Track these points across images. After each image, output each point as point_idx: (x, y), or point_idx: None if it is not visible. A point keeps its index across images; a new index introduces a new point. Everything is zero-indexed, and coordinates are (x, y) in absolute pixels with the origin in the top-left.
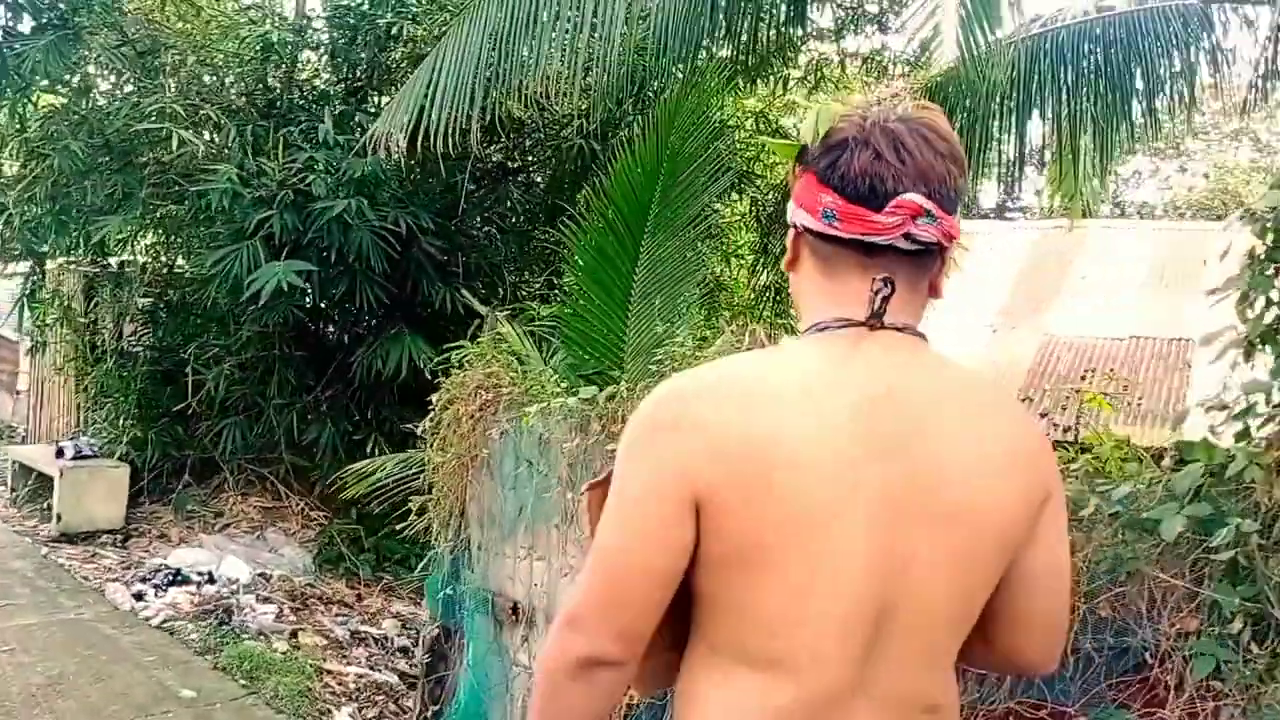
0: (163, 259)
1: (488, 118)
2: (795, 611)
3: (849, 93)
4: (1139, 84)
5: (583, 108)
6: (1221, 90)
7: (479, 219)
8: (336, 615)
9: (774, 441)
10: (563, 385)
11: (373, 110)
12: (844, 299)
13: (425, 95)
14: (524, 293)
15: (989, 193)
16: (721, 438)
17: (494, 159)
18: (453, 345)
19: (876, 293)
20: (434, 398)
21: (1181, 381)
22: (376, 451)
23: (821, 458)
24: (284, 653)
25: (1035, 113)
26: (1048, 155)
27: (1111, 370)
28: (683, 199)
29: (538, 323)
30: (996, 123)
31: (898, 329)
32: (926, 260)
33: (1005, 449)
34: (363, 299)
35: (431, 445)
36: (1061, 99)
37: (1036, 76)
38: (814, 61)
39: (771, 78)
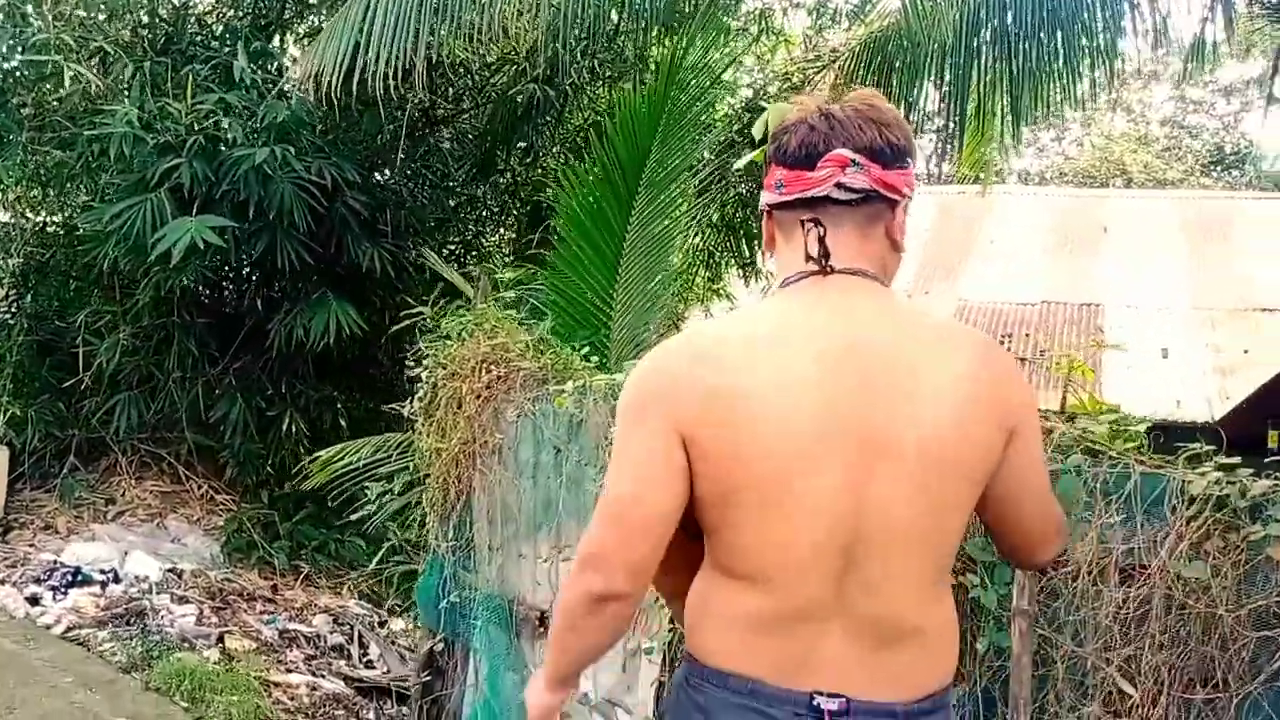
0: (36, 214)
1: (434, 58)
2: (771, 539)
3: (791, 45)
4: (1073, 39)
5: (522, 52)
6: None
7: (408, 172)
8: (261, 613)
9: (741, 389)
10: (593, 360)
11: (288, 47)
12: (797, 255)
13: (360, 30)
14: (456, 251)
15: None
16: (702, 395)
17: (421, 105)
18: (414, 311)
19: (807, 233)
20: (423, 374)
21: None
22: (293, 429)
23: (789, 402)
24: (217, 663)
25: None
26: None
27: (1027, 334)
28: (680, 149)
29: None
30: (938, 78)
31: (851, 272)
32: (872, 209)
33: (966, 382)
34: (284, 259)
35: (425, 429)
36: (1002, 55)
37: (980, 31)
38: (755, 13)
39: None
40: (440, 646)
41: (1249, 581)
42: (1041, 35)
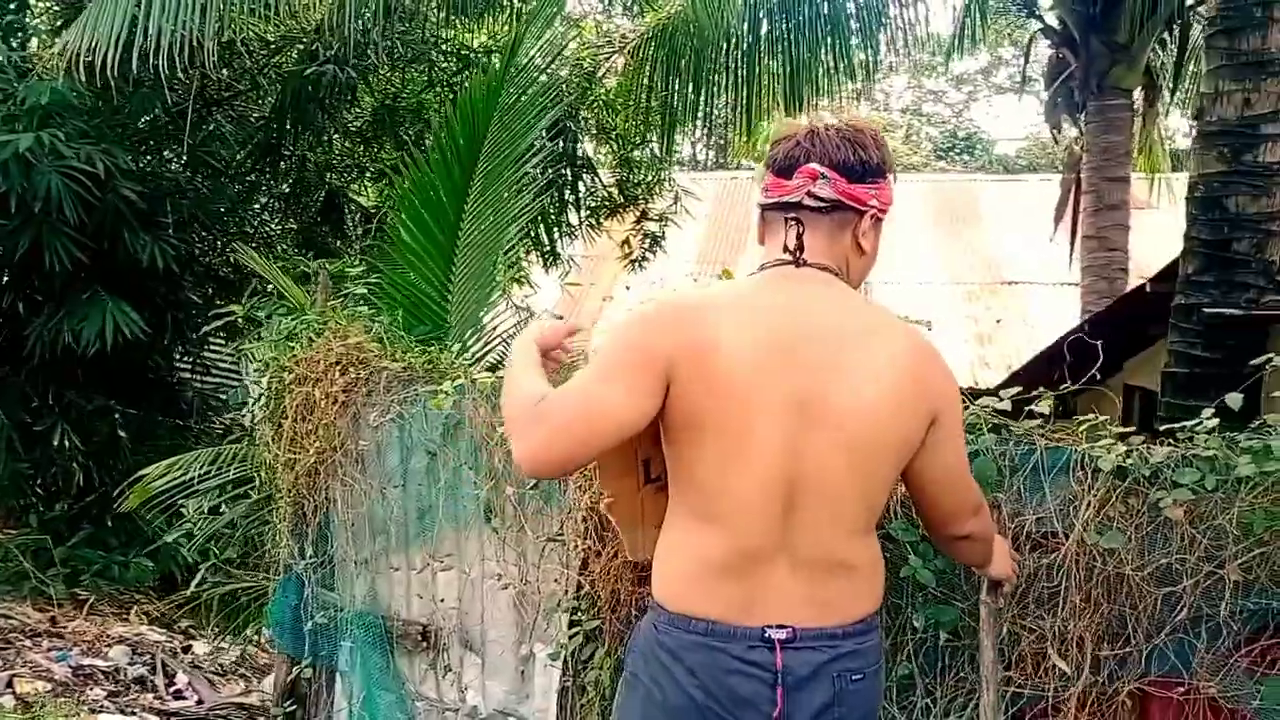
0: None
1: (224, 34)
2: (723, 481)
3: (582, 31)
4: (854, 29)
5: (309, 30)
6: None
7: (187, 158)
8: (49, 649)
9: (714, 341)
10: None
11: (40, 14)
12: (776, 248)
13: (137, 3)
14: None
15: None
16: (689, 336)
17: (193, 86)
18: (222, 310)
19: (789, 229)
20: (263, 381)
21: None
22: (64, 444)
23: (745, 357)
24: (13, 711)
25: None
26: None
27: None
28: (513, 137)
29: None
30: (726, 67)
31: (817, 267)
32: (840, 217)
33: (897, 366)
34: (52, 257)
35: (270, 439)
36: (789, 45)
37: (767, 21)
38: None
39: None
40: (291, 673)
41: (1149, 543)
42: (814, 32)
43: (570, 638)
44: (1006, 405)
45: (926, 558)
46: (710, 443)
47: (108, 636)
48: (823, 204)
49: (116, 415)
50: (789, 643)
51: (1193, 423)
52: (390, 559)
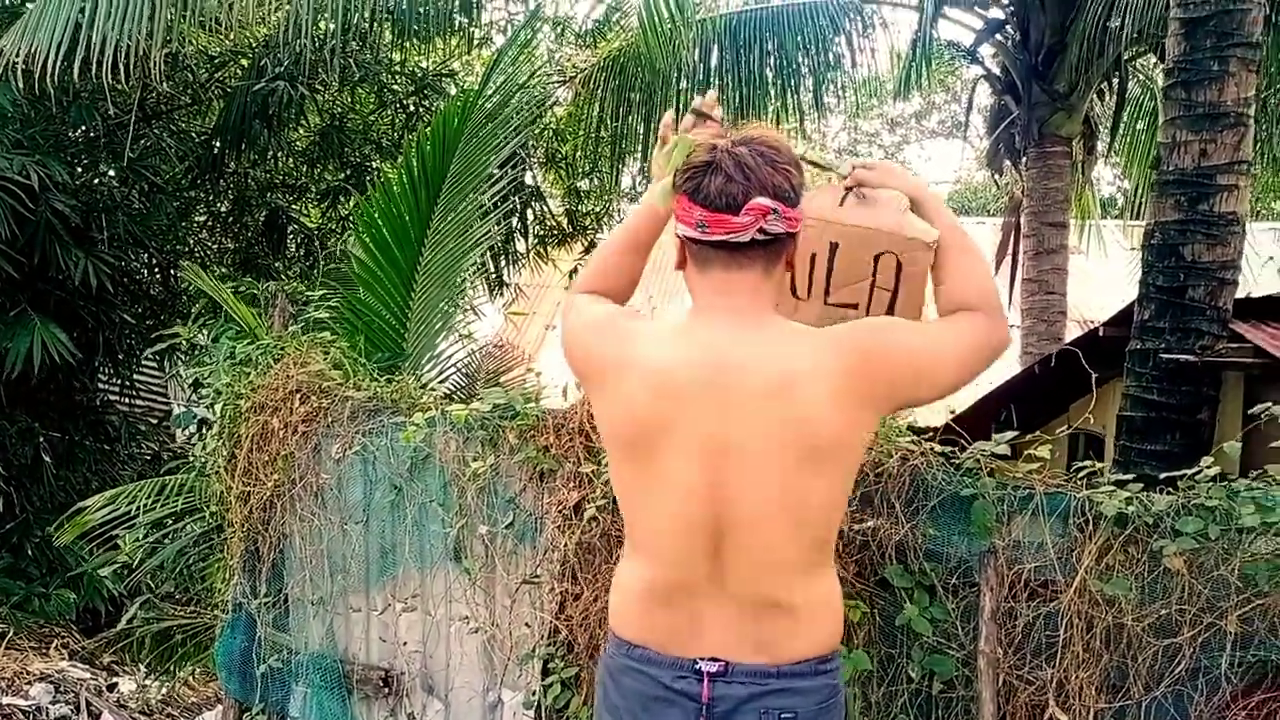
0: None
1: (173, 45)
2: (643, 512)
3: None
4: (805, 72)
5: (256, 46)
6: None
7: (124, 172)
8: None
9: (636, 365)
10: (424, 386)
11: None
12: (711, 286)
13: (81, 11)
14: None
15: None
16: (618, 353)
17: (130, 100)
18: (161, 328)
19: (734, 269)
20: (216, 408)
21: None
22: None
23: (666, 391)
24: None
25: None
26: None
27: None
28: (479, 160)
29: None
30: (677, 100)
31: (753, 304)
32: (780, 245)
33: (818, 384)
34: None
35: (224, 469)
36: (739, 83)
37: (717, 56)
38: (500, 23)
39: (453, 35)
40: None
41: (1149, 593)
42: (762, 68)
43: (546, 686)
44: (1004, 449)
45: (922, 605)
46: (628, 471)
47: (28, 674)
48: (770, 238)
49: (40, 439)
50: (719, 675)
51: (1194, 471)
52: (350, 599)
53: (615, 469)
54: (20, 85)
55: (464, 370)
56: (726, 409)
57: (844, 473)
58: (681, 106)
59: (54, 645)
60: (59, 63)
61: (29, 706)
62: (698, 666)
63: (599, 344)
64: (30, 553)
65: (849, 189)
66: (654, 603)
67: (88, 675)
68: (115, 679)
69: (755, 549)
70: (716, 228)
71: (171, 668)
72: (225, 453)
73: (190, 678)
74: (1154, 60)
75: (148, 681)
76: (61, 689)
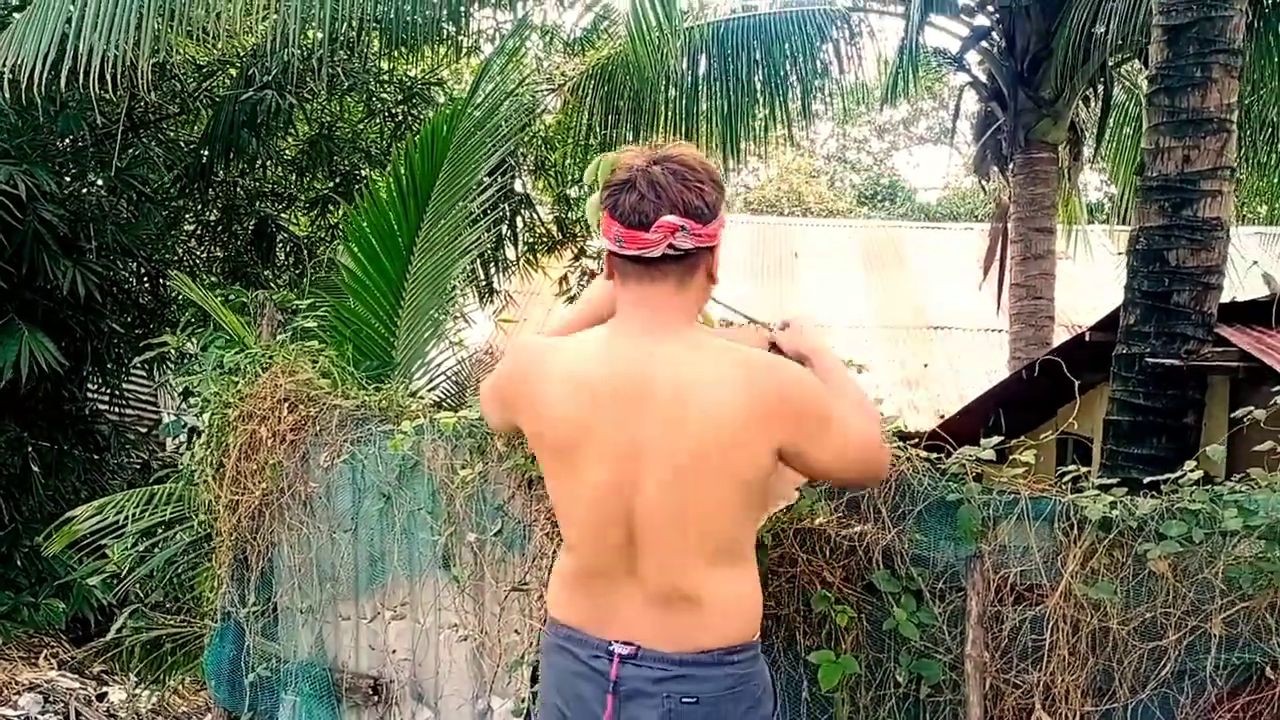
0: None
1: (161, 55)
2: (564, 510)
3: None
4: (793, 80)
5: (244, 55)
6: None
7: (113, 182)
8: None
9: (548, 380)
10: (412, 394)
11: None
12: (629, 298)
13: (68, 21)
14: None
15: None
16: (530, 373)
17: (119, 110)
18: (150, 337)
19: (646, 284)
20: (204, 417)
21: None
22: None
23: (579, 403)
24: None
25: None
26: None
27: None
28: (468, 168)
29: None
30: (662, 109)
31: (664, 316)
32: (694, 260)
33: (727, 406)
34: None
35: (212, 478)
36: (727, 90)
37: (704, 64)
38: (488, 31)
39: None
40: None
41: (1134, 596)
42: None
43: (535, 693)
44: (990, 454)
45: (909, 610)
46: (556, 474)
47: (17, 683)
48: (681, 253)
49: (29, 448)
50: (629, 658)
51: (1177, 475)
52: (339, 607)
53: (546, 475)
54: (7, 95)
55: (454, 378)
56: (637, 415)
57: (737, 484)
58: (669, 115)
59: (43, 655)
60: (46, 73)
61: (18, 716)
62: (611, 648)
63: (511, 379)
64: (19, 563)
65: (772, 344)
66: (578, 589)
67: (77, 685)
68: (105, 688)
69: (662, 546)
70: (631, 243)
71: (161, 677)
72: (213, 461)
73: (180, 687)
74: (1139, 66)
75: (138, 691)
76: (51, 699)
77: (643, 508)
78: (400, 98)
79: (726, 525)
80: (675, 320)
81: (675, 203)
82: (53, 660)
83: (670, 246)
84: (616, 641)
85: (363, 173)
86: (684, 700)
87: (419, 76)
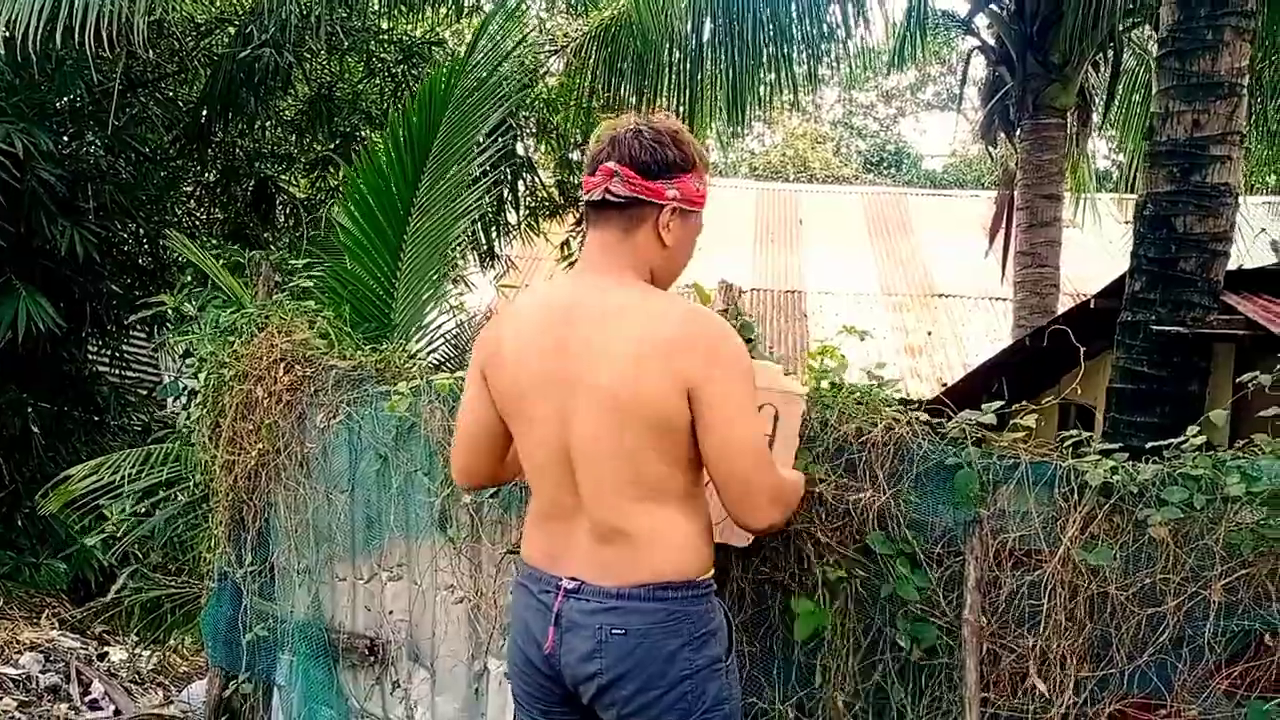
0: None
1: (158, 11)
2: (524, 452)
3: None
4: (800, 43)
5: (242, 12)
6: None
7: (111, 141)
8: None
9: (500, 340)
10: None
11: None
12: (587, 242)
13: None
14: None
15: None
16: (490, 343)
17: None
18: (149, 298)
19: (589, 225)
20: (201, 376)
21: (802, 330)
22: None
23: (525, 350)
24: None
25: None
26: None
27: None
28: (467, 129)
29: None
30: (666, 72)
31: (601, 264)
32: (636, 212)
33: (643, 345)
34: None
35: (208, 438)
36: (732, 54)
37: (709, 27)
38: None
39: (442, 3)
40: (226, 688)
41: (1133, 562)
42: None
43: None
44: (991, 419)
45: (906, 572)
46: (513, 423)
47: (18, 643)
48: (620, 200)
49: (29, 410)
50: (573, 593)
51: (1179, 440)
52: (336, 568)
53: (512, 428)
54: (2, 52)
55: (453, 341)
56: (570, 352)
57: (649, 427)
58: (673, 78)
59: (44, 615)
60: (41, 29)
61: (19, 675)
62: (559, 583)
63: (476, 365)
64: (20, 523)
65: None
66: (537, 529)
67: (78, 644)
68: (106, 648)
69: (598, 481)
70: (584, 188)
71: (161, 637)
72: (210, 422)
73: (181, 647)
74: (1149, 32)
75: (138, 651)
76: (52, 658)
77: (577, 440)
78: (400, 57)
79: (650, 460)
80: (615, 265)
81: (623, 155)
82: (54, 620)
83: (608, 191)
84: (565, 577)
85: (363, 134)
86: (614, 631)
87: (420, 36)
